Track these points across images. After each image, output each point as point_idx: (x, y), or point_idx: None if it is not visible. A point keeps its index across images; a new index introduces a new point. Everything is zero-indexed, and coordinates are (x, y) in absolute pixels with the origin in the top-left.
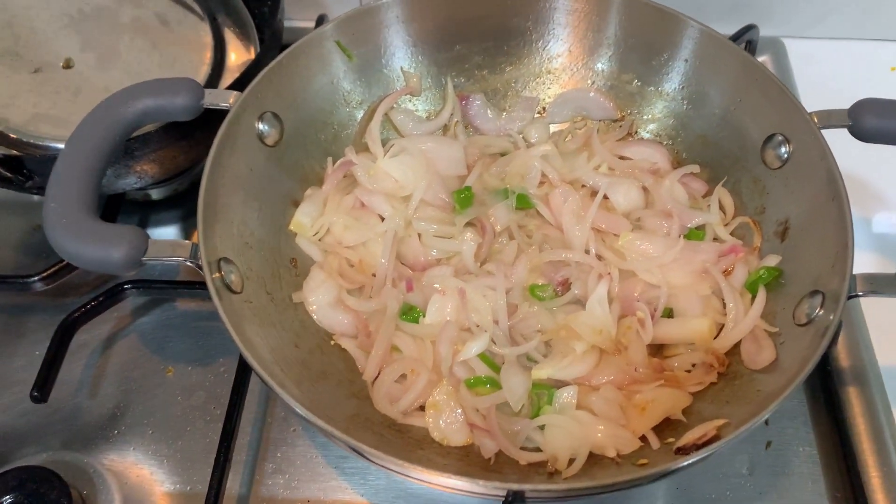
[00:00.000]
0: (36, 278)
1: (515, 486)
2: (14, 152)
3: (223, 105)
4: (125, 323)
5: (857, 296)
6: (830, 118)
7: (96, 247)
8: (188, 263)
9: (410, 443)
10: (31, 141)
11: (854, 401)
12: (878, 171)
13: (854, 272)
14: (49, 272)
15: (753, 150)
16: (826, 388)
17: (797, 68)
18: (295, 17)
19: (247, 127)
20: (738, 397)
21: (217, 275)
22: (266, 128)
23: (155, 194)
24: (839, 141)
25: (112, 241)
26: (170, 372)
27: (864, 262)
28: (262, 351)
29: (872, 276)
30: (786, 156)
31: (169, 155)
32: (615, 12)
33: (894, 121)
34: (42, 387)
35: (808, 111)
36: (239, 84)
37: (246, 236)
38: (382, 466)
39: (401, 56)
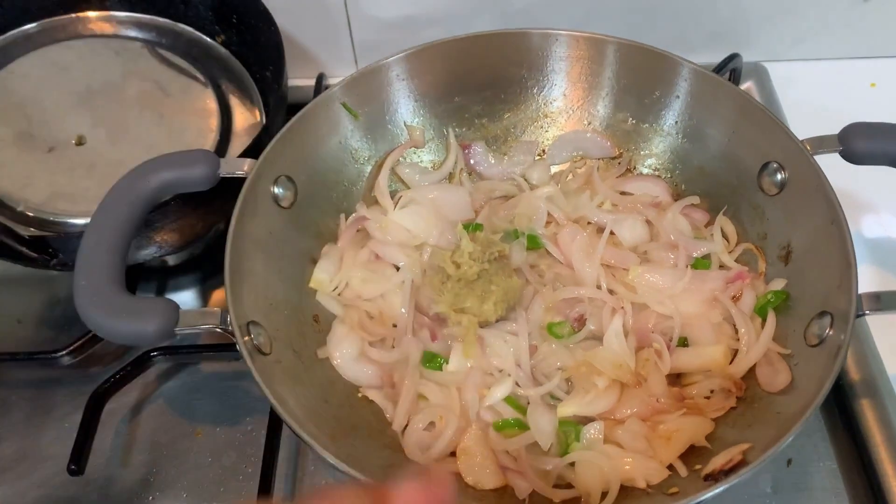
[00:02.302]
0: (63, 353)
1: None
2: (35, 231)
3: (239, 173)
4: (151, 389)
5: (863, 314)
6: (822, 144)
7: (130, 322)
8: (218, 330)
9: None
10: (51, 219)
11: (868, 412)
12: (868, 186)
13: (859, 290)
14: (75, 346)
15: (750, 179)
16: (840, 403)
17: (781, 91)
18: (293, 77)
19: (263, 192)
20: (759, 420)
21: (247, 338)
22: (281, 191)
23: (171, 260)
24: (831, 160)
25: (144, 314)
26: (199, 434)
27: (865, 277)
28: (295, 409)
29: (878, 295)
30: (782, 182)
31: (188, 224)
32: (608, 56)
33: (882, 142)
34: (78, 459)
35: (800, 139)
36: (250, 151)
37: (270, 297)
38: None
39: (404, 111)
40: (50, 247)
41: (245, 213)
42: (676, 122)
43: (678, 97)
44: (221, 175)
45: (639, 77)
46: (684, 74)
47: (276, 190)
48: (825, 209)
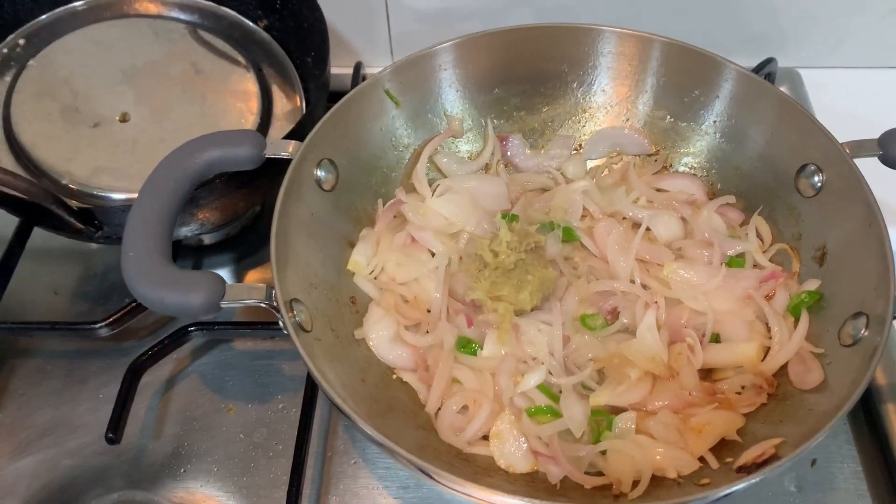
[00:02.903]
0: (102, 324)
1: None
2: (78, 203)
3: (283, 154)
4: (185, 364)
5: None
6: (861, 148)
7: (177, 293)
8: (263, 305)
9: (478, 470)
10: (94, 192)
11: (893, 416)
12: None
13: None
14: (114, 318)
15: (787, 180)
16: (866, 406)
17: (814, 97)
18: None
19: (307, 174)
20: (790, 417)
21: (291, 314)
22: (324, 174)
23: (207, 239)
24: (869, 165)
25: (192, 286)
26: (231, 410)
27: None
28: (336, 387)
29: None
30: (819, 184)
31: (230, 202)
32: (655, 56)
33: None
34: (115, 428)
35: (840, 142)
36: (295, 134)
37: (310, 277)
38: (453, 489)
39: (445, 101)
40: (96, 219)
41: (290, 194)
42: (715, 122)
43: (718, 97)
44: (267, 156)
45: (681, 76)
46: (727, 76)
47: (319, 173)
48: (863, 212)
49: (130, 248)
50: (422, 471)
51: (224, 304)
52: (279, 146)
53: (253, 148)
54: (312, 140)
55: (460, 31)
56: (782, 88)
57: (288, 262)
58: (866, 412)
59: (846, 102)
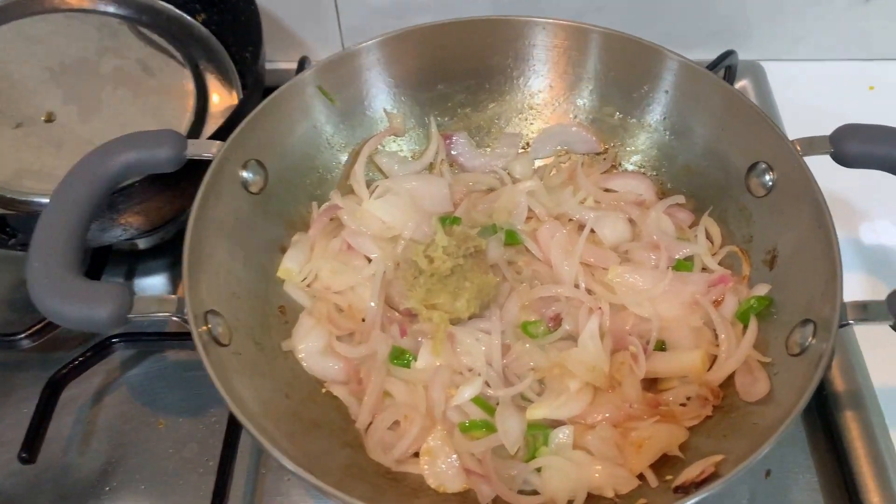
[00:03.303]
0: (22, 335)
1: None
2: None
3: (206, 155)
4: (114, 376)
5: (848, 324)
6: (812, 145)
7: (81, 306)
8: (174, 318)
9: (406, 492)
10: (16, 197)
11: (852, 425)
12: (863, 191)
13: (844, 297)
14: (35, 329)
15: (738, 179)
16: (823, 414)
17: (777, 91)
18: (277, 60)
19: (230, 176)
20: (734, 431)
21: (204, 328)
22: (250, 175)
23: (142, 244)
24: (824, 162)
25: (96, 299)
26: (161, 424)
27: (854, 283)
28: (251, 404)
29: (863, 305)
30: (770, 184)
31: (154, 206)
32: (594, 47)
33: (875, 146)
34: (30, 447)
35: (791, 139)
36: (222, 133)
37: (233, 286)
38: None
39: (383, 98)
40: (8, 226)
41: (209, 197)
42: (664, 118)
43: (667, 92)
44: (188, 157)
45: (625, 69)
46: (671, 67)
47: (245, 174)
48: (812, 212)
49: (36, 258)
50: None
51: (131, 317)
52: (201, 147)
53: (173, 149)
54: (235, 141)
55: (413, 23)
56: (744, 82)
57: (205, 270)
58: (823, 420)
59: (810, 96)
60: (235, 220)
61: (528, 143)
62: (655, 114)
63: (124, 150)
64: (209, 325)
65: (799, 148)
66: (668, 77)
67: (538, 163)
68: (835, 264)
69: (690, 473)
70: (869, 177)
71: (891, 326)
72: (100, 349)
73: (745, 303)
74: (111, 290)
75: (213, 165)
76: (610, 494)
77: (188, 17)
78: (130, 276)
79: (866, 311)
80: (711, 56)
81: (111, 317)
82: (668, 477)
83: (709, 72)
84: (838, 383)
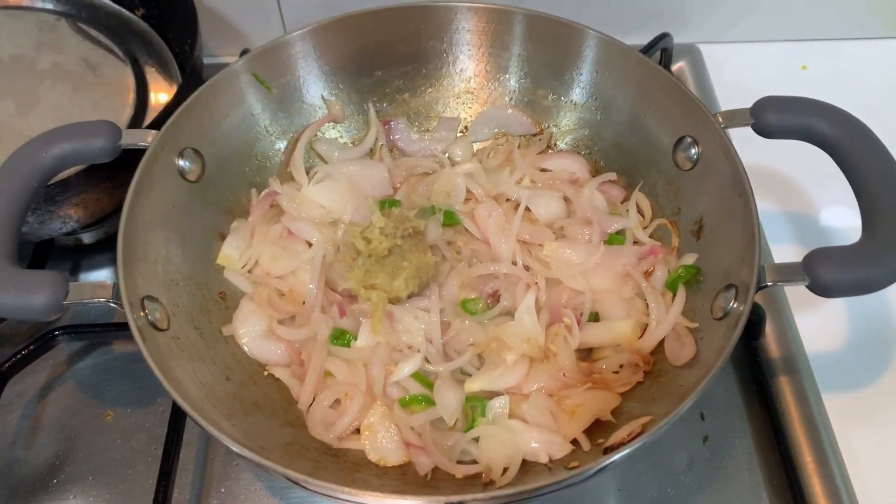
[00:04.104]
0: None
1: (453, 498)
2: None
3: (142, 144)
4: (61, 370)
5: (766, 286)
6: (734, 118)
7: (16, 294)
8: (111, 304)
9: (347, 467)
10: None
11: (785, 389)
12: (793, 165)
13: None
14: None
15: (666, 154)
16: (758, 380)
17: (714, 73)
18: (220, 54)
19: (166, 164)
20: (663, 394)
21: (141, 313)
22: (187, 164)
23: (86, 238)
24: (759, 141)
25: (31, 287)
26: (109, 416)
27: (784, 254)
28: (190, 387)
29: (780, 266)
30: (696, 157)
31: (92, 198)
32: (520, 29)
33: (793, 116)
34: None
35: (713, 112)
36: (158, 122)
37: (171, 273)
38: (320, 493)
39: (320, 85)
40: None
41: (144, 185)
42: (595, 98)
43: (597, 72)
44: (123, 146)
45: (552, 50)
46: (593, 45)
47: (182, 163)
48: (733, 182)
49: None
50: (285, 476)
51: (67, 304)
52: (136, 136)
53: (107, 139)
54: (170, 128)
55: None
56: (681, 64)
57: (141, 257)
58: (758, 386)
59: (746, 77)
60: (172, 208)
61: (466, 127)
62: (585, 93)
63: (58, 141)
64: (146, 311)
65: (721, 120)
66: (593, 55)
67: (477, 146)
68: (753, 229)
69: (619, 435)
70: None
71: (807, 287)
72: (43, 342)
73: (674, 272)
74: (46, 277)
75: (147, 154)
76: (544, 460)
77: (127, 13)
78: (76, 270)
79: (784, 273)
80: (648, 40)
81: (47, 303)
82: (600, 441)
83: (631, 48)
84: (772, 350)
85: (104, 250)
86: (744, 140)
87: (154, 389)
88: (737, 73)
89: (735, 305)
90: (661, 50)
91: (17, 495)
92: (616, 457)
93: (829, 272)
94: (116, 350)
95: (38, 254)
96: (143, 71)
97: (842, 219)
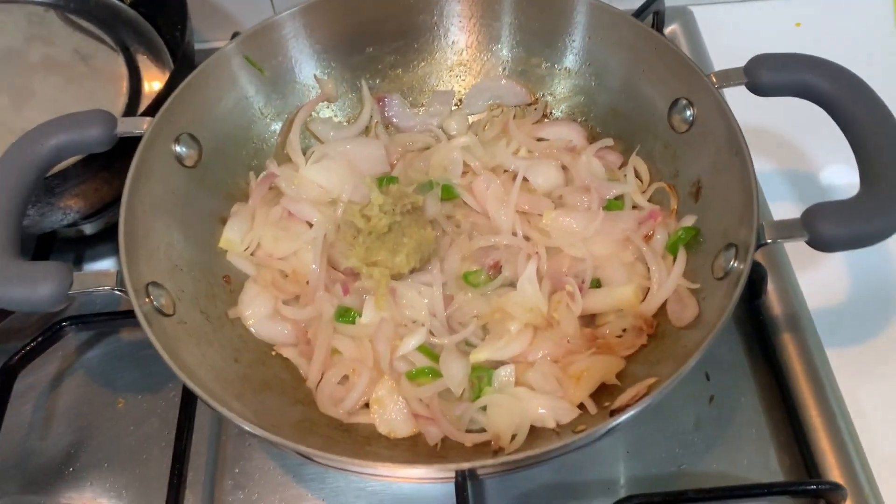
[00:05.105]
0: None
1: (464, 465)
2: None
3: (137, 132)
4: (71, 360)
5: (765, 243)
6: (728, 77)
7: (20, 286)
8: (116, 292)
9: (358, 440)
10: None
11: (789, 346)
12: (793, 122)
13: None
14: None
15: (661, 117)
16: (761, 338)
17: (707, 34)
18: (212, 39)
19: (163, 151)
20: (667, 355)
21: (146, 300)
22: (184, 150)
23: (88, 229)
24: (760, 99)
25: (36, 278)
26: (120, 403)
27: (783, 212)
28: (198, 370)
29: (779, 223)
30: (691, 118)
31: (91, 188)
32: None
33: (787, 73)
34: None
35: (707, 73)
36: (152, 109)
37: (174, 259)
38: (333, 467)
39: (312, 64)
40: None
41: (142, 173)
42: (588, 64)
43: (589, 38)
44: (119, 135)
45: (542, 17)
46: (582, 9)
47: (179, 149)
48: (729, 141)
49: None
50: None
51: (72, 294)
52: (132, 124)
53: (103, 128)
54: (165, 115)
55: None
56: (674, 26)
57: (143, 245)
58: (761, 345)
59: (739, 37)
60: (171, 195)
61: (460, 100)
62: (578, 60)
63: (54, 132)
64: (151, 297)
65: (715, 80)
66: (584, 21)
67: (472, 118)
68: (751, 187)
69: (625, 398)
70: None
71: (807, 242)
72: (51, 334)
73: (674, 235)
74: (50, 268)
75: (142, 141)
76: (552, 425)
77: (116, 1)
78: (79, 261)
79: (782, 230)
80: (639, 4)
81: (52, 294)
82: (606, 404)
83: (622, 12)
84: (775, 307)
85: (107, 240)
86: (738, 100)
87: (164, 375)
88: (730, 34)
89: (735, 264)
90: (653, 13)
91: (35, 485)
92: (622, 418)
93: (828, 226)
94: (124, 338)
95: (41, 246)
96: (134, 59)
97: (839, 175)
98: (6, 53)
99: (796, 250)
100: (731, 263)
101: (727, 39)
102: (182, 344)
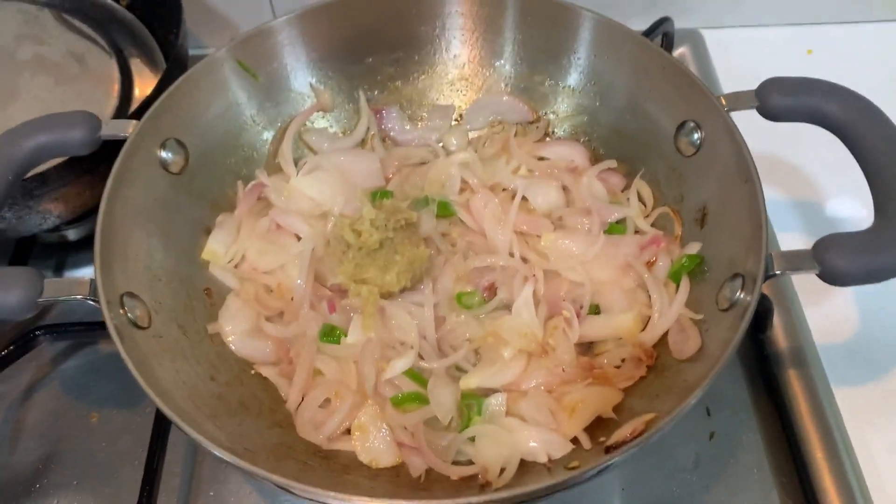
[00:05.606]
0: None
1: (447, 502)
2: None
3: (122, 135)
4: (45, 371)
5: (774, 275)
6: (738, 100)
7: None
8: (89, 301)
9: (337, 469)
10: None
11: (794, 383)
12: (799, 152)
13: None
14: None
15: (667, 140)
16: (765, 374)
17: (716, 58)
18: (209, 46)
19: (147, 156)
20: (667, 389)
21: (121, 311)
22: (169, 155)
23: (71, 235)
24: (764, 126)
25: (3, 285)
26: (94, 418)
27: (794, 242)
28: (171, 388)
29: (789, 254)
30: (698, 142)
31: (72, 192)
32: (513, 11)
33: (800, 97)
34: None
35: (717, 95)
36: (140, 113)
37: (154, 269)
38: (308, 498)
39: (308, 73)
40: None
41: (124, 177)
42: (592, 83)
43: (595, 56)
44: (103, 138)
45: (547, 33)
46: (589, 26)
47: (164, 154)
48: (739, 167)
49: None
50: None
51: (42, 302)
52: (116, 126)
53: (86, 130)
54: (150, 119)
55: None
56: (683, 49)
57: (121, 252)
58: (765, 380)
59: (749, 62)
60: (154, 202)
61: (460, 115)
62: (583, 78)
63: (34, 132)
64: (125, 308)
65: (724, 103)
66: (590, 38)
67: (472, 134)
68: (760, 216)
69: (622, 433)
70: (803, 137)
71: (817, 275)
72: (24, 342)
73: (677, 262)
74: (19, 274)
75: (126, 145)
76: (543, 460)
77: (112, 3)
78: (60, 268)
79: (792, 261)
80: (648, 25)
81: (20, 301)
82: (602, 439)
83: (628, 28)
84: (780, 342)
85: (90, 248)
86: (745, 125)
87: (140, 390)
88: (740, 59)
89: (742, 296)
90: (661, 35)
91: (1, 499)
92: (619, 456)
93: (840, 259)
94: (102, 350)
95: (19, 251)
96: (127, 62)
97: (849, 207)
98: None
99: (804, 282)
100: (738, 294)
101: (737, 64)
102: (156, 359)
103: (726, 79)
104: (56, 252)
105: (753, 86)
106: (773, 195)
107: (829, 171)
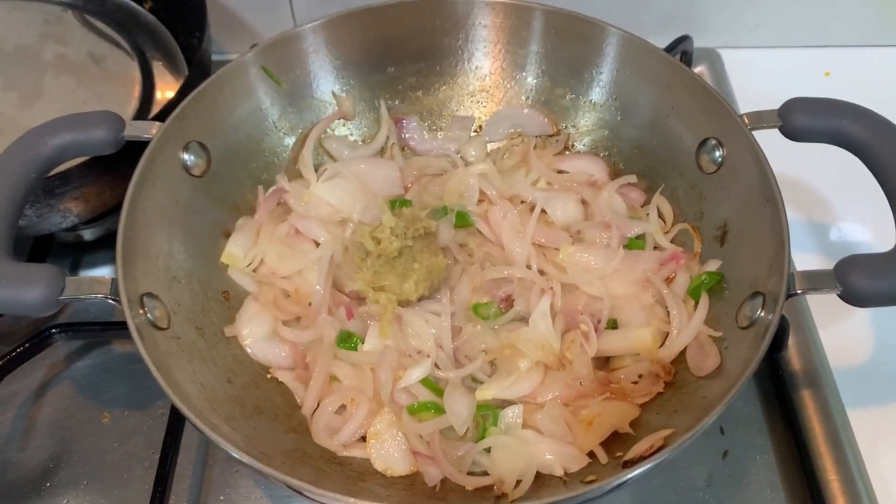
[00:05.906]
0: None
1: None
2: None
3: (145, 136)
4: (58, 370)
5: (795, 294)
6: (761, 119)
7: (9, 287)
8: (109, 300)
9: (351, 476)
10: None
11: (809, 404)
12: (819, 173)
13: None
14: None
15: (688, 157)
16: (780, 394)
17: (734, 78)
18: (231, 51)
19: (170, 157)
20: (685, 406)
21: (140, 311)
22: (192, 158)
23: (87, 235)
24: (784, 146)
25: (26, 281)
26: (106, 418)
27: (810, 264)
28: (189, 389)
29: (810, 274)
30: (720, 159)
31: (93, 191)
32: (539, 25)
33: (823, 118)
34: None
35: (739, 113)
36: (163, 114)
37: (173, 270)
38: (321, 503)
39: (331, 80)
40: None
41: (147, 179)
42: (615, 98)
43: (616, 70)
44: (126, 138)
45: (572, 47)
46: (614, 42)
47: (186, 156)
48: (761, 186)
49: None
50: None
51: (63, 300)
52: (140, 128)
53: (110, 130)
54: (175, 120)
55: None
56: (701, 68)
57: (142, 253)
58: (780, 400)
59: (767, 83)
60: (176, 203)
61: (480, 126)
62: (605, 93)
63: (59, 131)
64: (145, 309)
65: (747, 121)
66: (612, 52)
67: (491, 146)
68: (783, 235)
69: (640, 448)
70: (823, 157)
71: (838, 296)
72: (38, 340)
73: (697, 279)
74: (42, 271)
75: (150, 146)
76: (559, 473)
77: (135, 5)
78: (75, 267)
79: (814, 281)
80: (667, 43)
81: (42, 298)
82: (619, 454)
83: (653, 45)
84: (795, 363)
85: (105, 248)
86: (762, 144)
87: (153, 391)
88: (758, 79)
89: (762, 314)
90: (680, 53)
91: (9, 499)
92: (637, 471)
93: (862, 280)
94: (116, 350)
95: (37, 249)
96: (149, 65)
97: (867, 231)
98: (19, 51)
99: (818, 303)
100: (758, 313)
101: (755, 84)
102: (174, 360)
103: (743, 99)
104: (72, 251)
105: (771, 106)
106: (788, 214)
107: (846, 192)
